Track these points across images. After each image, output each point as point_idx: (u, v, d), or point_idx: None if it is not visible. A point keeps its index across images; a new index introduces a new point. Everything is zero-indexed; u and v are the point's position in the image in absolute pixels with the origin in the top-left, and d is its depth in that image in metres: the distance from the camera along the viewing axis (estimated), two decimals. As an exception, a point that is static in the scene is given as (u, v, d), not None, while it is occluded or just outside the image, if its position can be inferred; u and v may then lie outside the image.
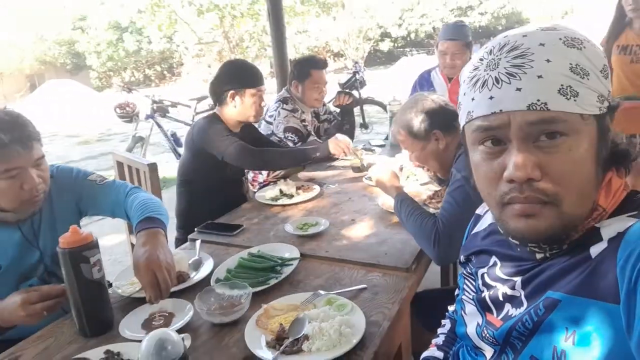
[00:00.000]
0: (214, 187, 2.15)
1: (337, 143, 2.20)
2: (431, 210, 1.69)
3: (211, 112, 2.24)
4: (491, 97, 0.65)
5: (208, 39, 19.69)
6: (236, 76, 2.14)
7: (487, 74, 0.66)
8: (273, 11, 4.30)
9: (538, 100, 0.62)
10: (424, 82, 2.98)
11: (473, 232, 0.93)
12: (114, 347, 1.07)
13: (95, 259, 1.15)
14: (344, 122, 2.96)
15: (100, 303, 1.19)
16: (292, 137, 2.67)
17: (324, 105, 3.08)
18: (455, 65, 2.76)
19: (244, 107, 2.13)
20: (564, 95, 0.62)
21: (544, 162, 0.63)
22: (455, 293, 1.03)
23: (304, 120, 2.78)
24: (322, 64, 2.81)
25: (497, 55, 0.66)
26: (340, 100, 2.95)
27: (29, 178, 1.28)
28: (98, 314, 1.18)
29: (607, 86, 0.66)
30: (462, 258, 0.93)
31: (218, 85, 2.16)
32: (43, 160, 1.35)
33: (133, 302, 1.29)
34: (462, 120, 0.73)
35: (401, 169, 2.13)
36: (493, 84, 0.65)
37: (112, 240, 3.83)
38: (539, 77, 0.62)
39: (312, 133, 2.85)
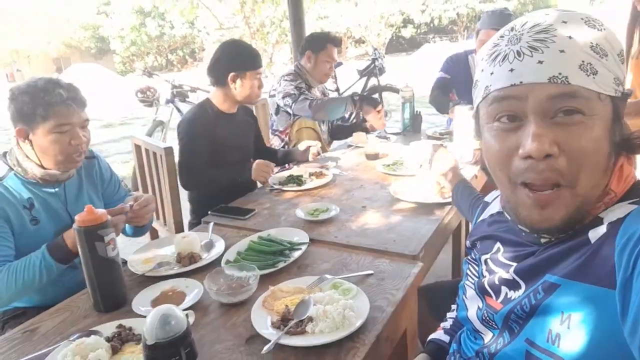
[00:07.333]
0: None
1: (261, 168, 2.14)
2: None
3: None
4: (511, 70, 0.64)
5: (229, 25, 19.71)
6: (237, 58, 2.13)
7: (509, 48, 0.66)
8: (293, -4, 4.28)
9: (559, 74, 0.61)
10: (459, 63, 2.93)
11: (480, 218, 0.94)
12: (126, 322, 1.11)
13: (110, 238, 1.19)
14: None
15: (114, 280, 1.23)
16: (288, 101, 2.63)
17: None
18: None
19: (244, 89, 2.14)
20: (584, 71, 0.61)
21: (561, 138, 0.62)
22: None
23: (305, 88, 2.68)
24: (338, 42, 2.80)
25: (519, 31, 0.66)
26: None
27: (77, 135, 1.43)
28: (112, 290, 1.23)
29: (622, 71, 0.65)
30: (468, 243, 0.94)
31: (218, 67, 2.15)
32: (88, 123, 1.49)
33: (146, 281, 1.33)
34: (477, 98, 0.72)
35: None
36: (514, 57, 0.64)
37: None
38: (561, 51, 0.62)
39: None
